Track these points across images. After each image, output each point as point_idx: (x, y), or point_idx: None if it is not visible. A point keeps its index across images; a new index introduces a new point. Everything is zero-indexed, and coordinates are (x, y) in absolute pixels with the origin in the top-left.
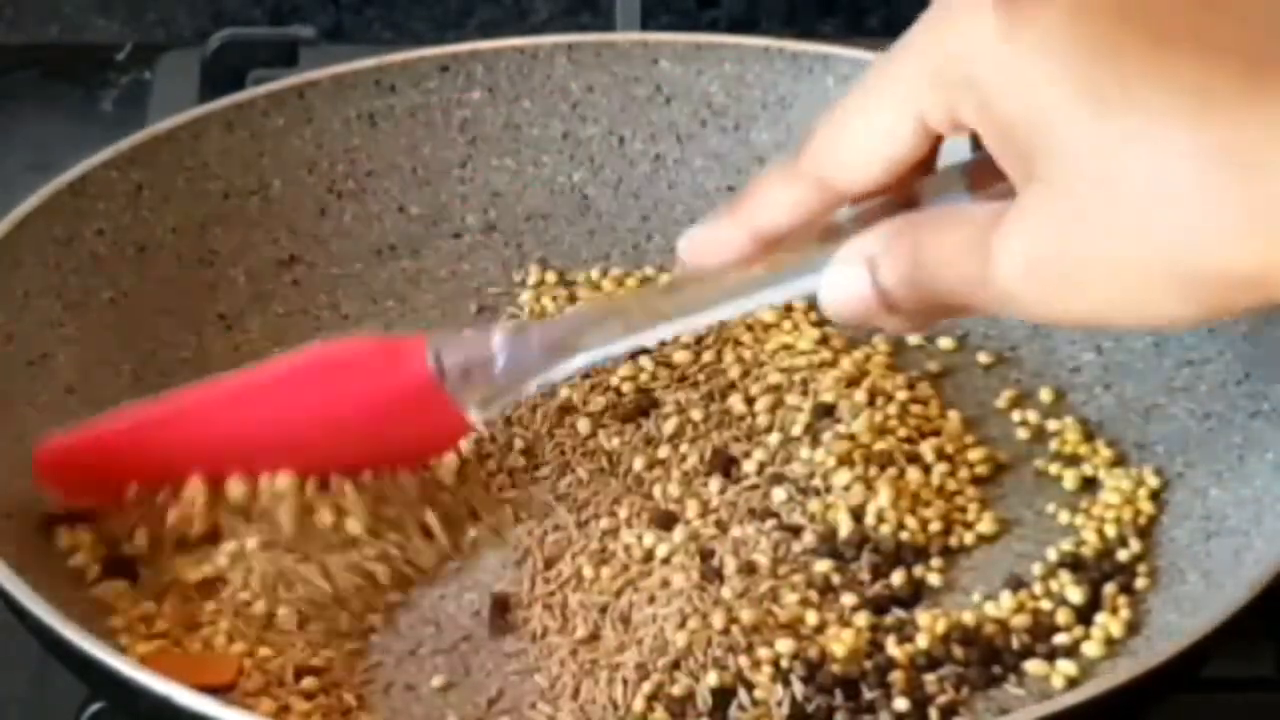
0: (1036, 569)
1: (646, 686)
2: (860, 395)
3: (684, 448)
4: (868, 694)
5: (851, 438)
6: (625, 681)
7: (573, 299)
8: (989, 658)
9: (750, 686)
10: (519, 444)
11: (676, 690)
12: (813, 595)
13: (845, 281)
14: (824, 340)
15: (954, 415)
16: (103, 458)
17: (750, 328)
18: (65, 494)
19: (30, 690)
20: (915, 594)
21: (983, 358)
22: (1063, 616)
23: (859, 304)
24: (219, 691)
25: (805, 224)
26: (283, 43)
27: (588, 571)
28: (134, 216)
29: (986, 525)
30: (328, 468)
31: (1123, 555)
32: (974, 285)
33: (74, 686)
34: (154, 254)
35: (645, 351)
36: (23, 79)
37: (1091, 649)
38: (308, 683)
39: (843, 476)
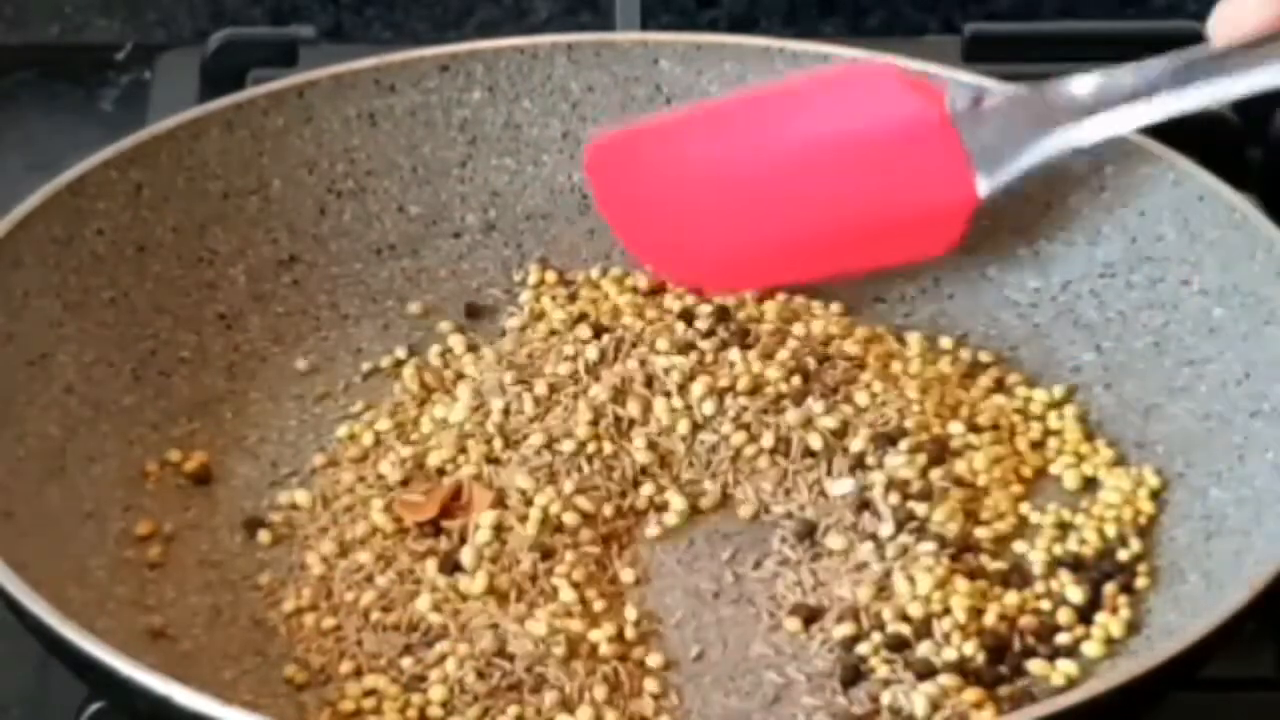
0: (1037, 568)
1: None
2: None
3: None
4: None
5: None
6: None
7: (573, 299)
8: (993, 657)
9: None
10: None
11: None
12: None
13: None
14: None
15: None
16: (639, 153)
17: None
18: (603, 191)
19: (30, 690)
20: None
21: (983, 357)
22: (1063, 616)
23: None
24: None
25: None
26: (283, 43)
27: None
28: (134, 216)
29: None
30: (824, 208)
31: (1123, 555)
32: None
33: (74, 686)
34: (154, 254)
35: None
36: (23, 79)
37: (1091, 649)
38: None
39: None
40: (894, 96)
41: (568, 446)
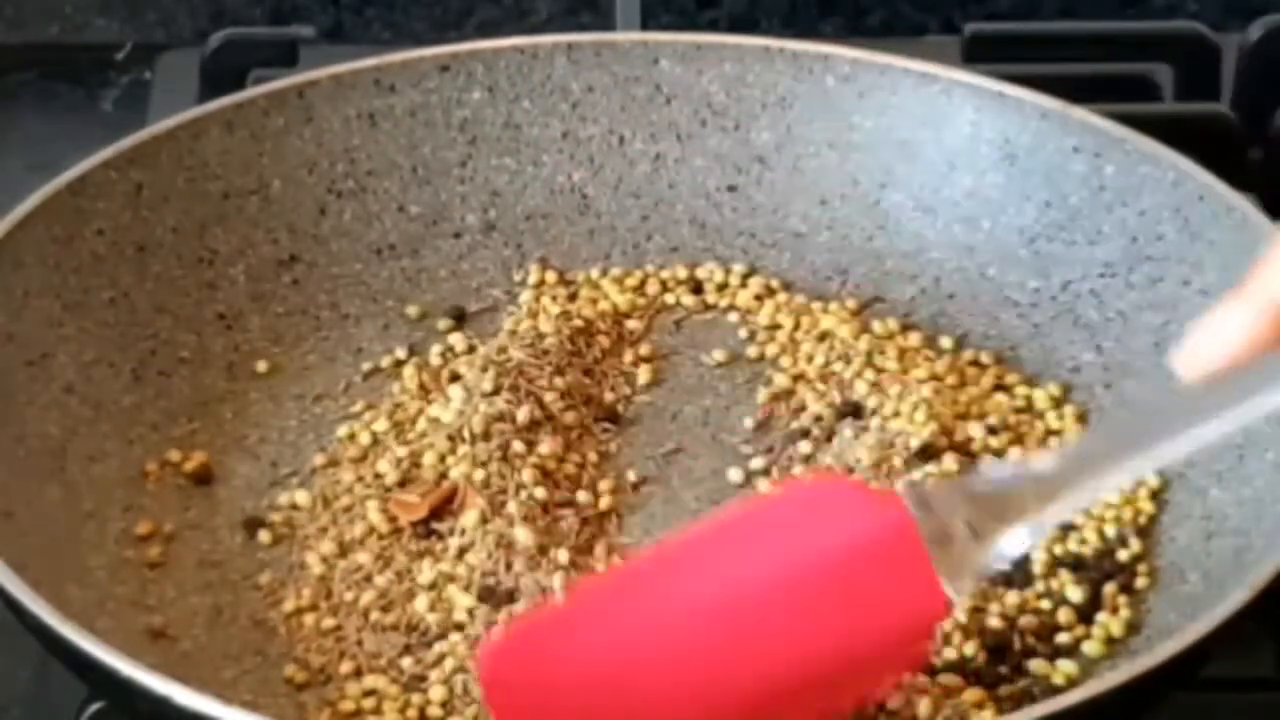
0: (1037, 568)
1: None
2: None
3: None
4: None
5: None
6: None
7: (573, 299)
8: (993, 657)
9: None
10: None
11: None
12: None
13: None
14: None
15: None
16: (546, 658)
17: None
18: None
19: (30, 690)
20: None
21: (983, 358)
22: (1063, 616)
23: None
24: None
25: None
26: (283, 43)
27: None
28: (134, 216)
29: None
30: (787, 660)
31: (1123, 555)
32: None
33: (74, 686)
34: (154, 254)
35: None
36: (23, 79)
37: (1091, 649)
38: None
39: None
40: (845, 508)
41: (551, 463)
